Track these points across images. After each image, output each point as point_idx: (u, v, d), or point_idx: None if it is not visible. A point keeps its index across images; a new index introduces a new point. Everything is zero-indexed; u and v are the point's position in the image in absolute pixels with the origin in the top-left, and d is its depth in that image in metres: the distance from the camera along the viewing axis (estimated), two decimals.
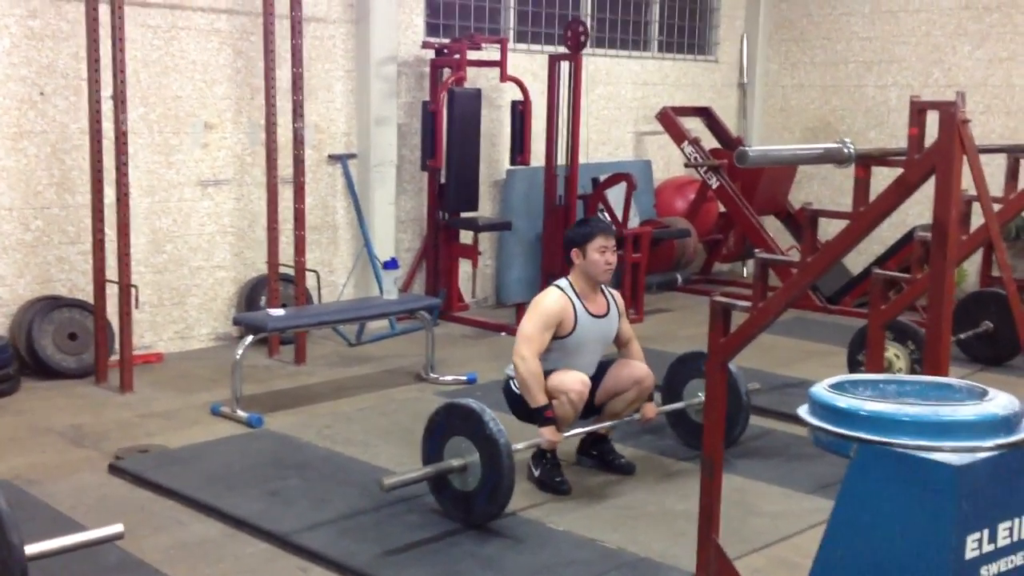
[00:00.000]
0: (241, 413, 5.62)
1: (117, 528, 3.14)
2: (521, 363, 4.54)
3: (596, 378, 4.86)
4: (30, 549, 2.90)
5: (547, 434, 4.55)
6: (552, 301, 4.68)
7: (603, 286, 4.87)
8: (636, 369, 4.84)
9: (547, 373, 4.65)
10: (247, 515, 4.33)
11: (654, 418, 4.98)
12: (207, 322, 7.24)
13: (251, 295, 7.26)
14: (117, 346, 6.25)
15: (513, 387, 4.81)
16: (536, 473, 4.74)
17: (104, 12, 5.99)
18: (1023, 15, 9.24)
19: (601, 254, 4.73)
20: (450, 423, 4.28)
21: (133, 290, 6.18)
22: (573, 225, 5.03)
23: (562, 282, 4.81)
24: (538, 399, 4.54)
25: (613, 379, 4.86)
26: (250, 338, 5.81)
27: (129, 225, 6.16)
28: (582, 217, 5.34)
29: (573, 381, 4.61)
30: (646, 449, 5.25)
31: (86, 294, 6.44)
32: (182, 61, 6.90)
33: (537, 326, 4.60)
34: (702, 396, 4.87)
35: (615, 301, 4.91)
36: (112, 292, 6.21)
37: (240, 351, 5.69)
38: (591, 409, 4.84)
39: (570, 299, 4.71)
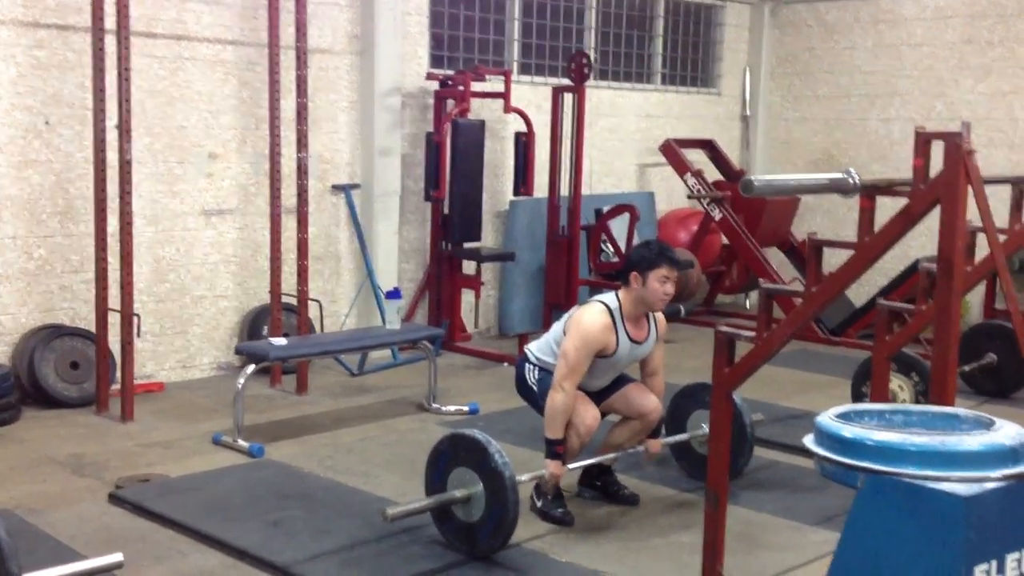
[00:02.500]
0: (242, 443, 5.59)
1: (117, 557, 3.12)
2: (560, 396, 4.49)
3: (608, 388, 4.84)
4: None
5: (552, 467, 4.53)
6: (597, 327, 4.54)
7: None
8: (647, 401, 4.80)
9: None
10: (248, 546, 4.30)
11: (658, 453, 4.95)
12: (209, 351, 7.23)
13: (253, 324, 7.25)
14: (119, 375, 6.23)
15: (528, 375, 4.79)
16: (538, 504, 4.71)
17: (110, 42, 6.02)
18: None
19: (662, 284, 4.56)
20: (454, 454, 4.26)
21: (135, 319, 6.18)
22: (638, 246, 4.78)
23: (610, 300, 4.65)
24: (558, 433, 4.51)
25: (623, 400, 4.83)
26: (252, 367, 5.79)
27: (132, 254, 6.16)
28: (646, 239, 5.21)
29: (585, 414, 4.58)
30: (650, 480, 5.21)
31: (88, 323, 6.43)
32: (187, 91, 6.93)
33: (582, 355, 4.51)
34: (706, 428, 4.85)
35: (657, 327, 4.80)
36: (114, 321, 6.20)
37: (242, 380, 5.67)
38: None
39: (614, 322, 4.59)
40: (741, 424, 4.94)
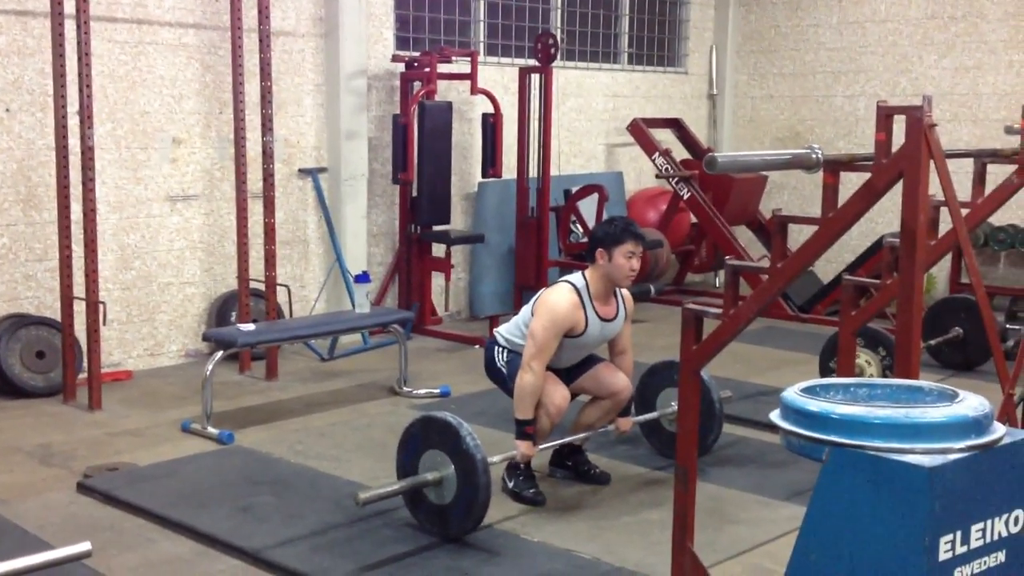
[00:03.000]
0: (212, 430, 5.56)
1: (85, 546, 3.09)
2: (529, 376, 4.49)
3: (577, 368, 4.84)
4: None
5: (523, 447, 4.54)
6: (565, 307, 4.54)
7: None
8: (618, 380, 4.82)
9: None
10: (218, 532, 4.28)
11: (629, 431, 4.97)
12: (177, 339, 7.18)
13: (221, 311, 7.20)
14: (85, 364, 6.18)
15: (497, 357, 4.80)
16: (510, 485, 4.71)
17: (70, 27, 5.94)
18: (988, 24, 9.34)
19: (627, 259, 4.56)
20: (426, 436, 4.25)
21: (101, 307, 6.11)
22: (603, 223, 4.80)
23: (577, 279, 4.66)
24: (527, 413, 4.52)
25: (593, 380, 4.84)
26: (220, 354, 5.76)
27: (96, 241, 6.09)
28: (610, 216, 5.24)
29: (554, 394, 4.58)
30: (620, 459, 5.23)
31: (53, 311, 6.36)
32: (149, 76, 6.86)
33: (550, 335, 4.51)
34: (675, 405, 4.86)
35: (625, 305, 4.81)
36: (80, 309, 6.14)
37: (210, 367, 5.63)
38: None
39: (582, 302, 4.59)
40: (710, 401, 4.97)
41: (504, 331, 4.89)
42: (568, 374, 4.81)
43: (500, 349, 4.84)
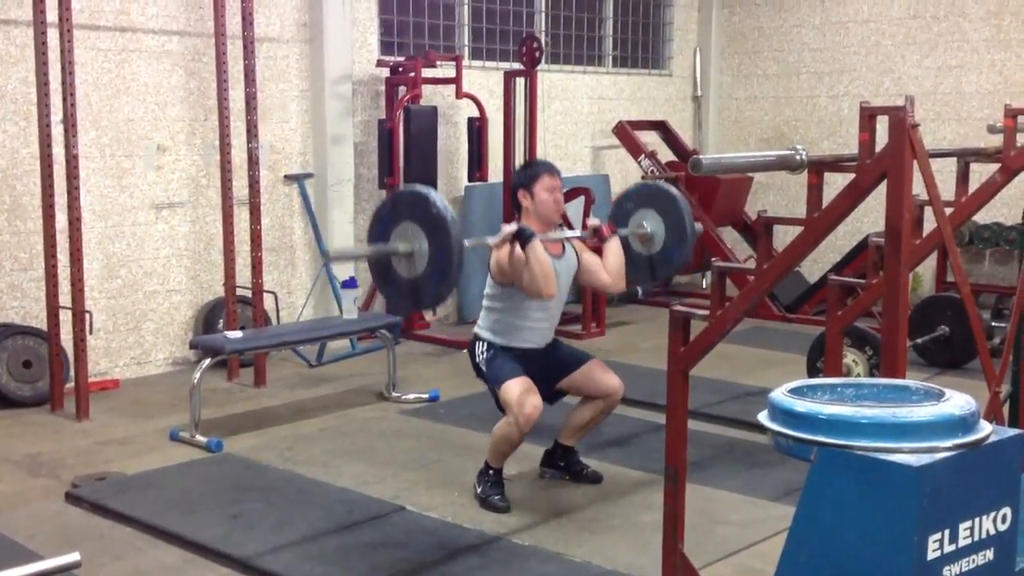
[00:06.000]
0: (200, 437, 5.54)
1: (74, 556, 3.06)
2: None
3: (566, 367, 4.81)
4: None
5: (508, 228, 4.45)
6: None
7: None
8: (611, 380, 4.80)
9: (511, 325, 4.66)
10: (207, 540, 4.27)
11: (609, 236, 4.86)
12: (164, 347, 7.16)
13: (208, 318, 7.18)
14: (72, 373, 6.15)
15: (477, 350, 4.74)
16: (478, 490, 4.70)
17: (53, 36, 5.91)
18: (970, 23, 9.39)
19: (549, 193, 4.70)
20: (396, 213, 4.03)
21: (87, 316, 6.09)
22: (517, 170, 4.94)
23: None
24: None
25: (587, 377, 4.81)
26: (208, 361, 5.74)
27: (82, 250, 6.07)
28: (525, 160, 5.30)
29: (526, 403, 4.48)
30: (611, 462, 5.23)
31: (40, 321, 6.33)
32: (133, 83, 6.84)
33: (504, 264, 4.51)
34: (646, 225, 4.87)
35: (574, 246, 4.86)
36: (66, 318, 6.12)
37: (197, 375, 5.61)
38: (551, 394, 4.79)
39: None
40: (680, 219, 4.83)
41: (479, 322, 4.84)
42: (559, 369, 4.79)
43: (480, 342, 4.77)
